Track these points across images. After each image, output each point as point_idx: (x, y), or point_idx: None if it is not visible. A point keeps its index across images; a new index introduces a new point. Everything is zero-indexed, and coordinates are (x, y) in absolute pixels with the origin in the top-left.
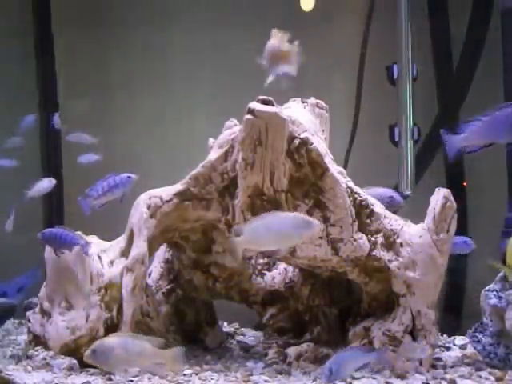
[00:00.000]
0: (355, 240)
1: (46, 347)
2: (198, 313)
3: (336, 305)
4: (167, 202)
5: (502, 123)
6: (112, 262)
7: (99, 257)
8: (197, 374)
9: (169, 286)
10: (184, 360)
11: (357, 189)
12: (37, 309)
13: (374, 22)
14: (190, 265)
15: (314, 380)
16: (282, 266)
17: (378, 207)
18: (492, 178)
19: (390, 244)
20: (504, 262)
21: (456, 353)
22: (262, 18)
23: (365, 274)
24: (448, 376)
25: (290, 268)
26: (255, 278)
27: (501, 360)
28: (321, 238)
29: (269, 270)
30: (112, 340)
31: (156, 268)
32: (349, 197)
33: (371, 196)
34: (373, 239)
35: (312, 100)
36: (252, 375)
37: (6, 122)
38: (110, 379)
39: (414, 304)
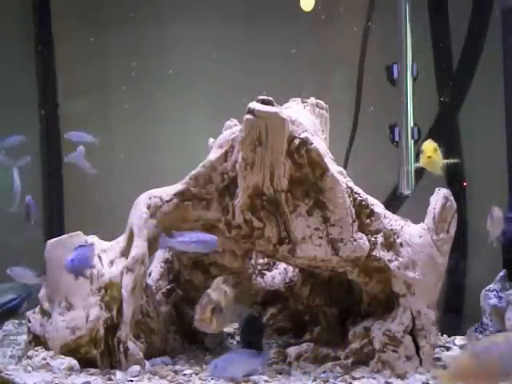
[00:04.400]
0: (355, 240)
1: (46, 347)
2: None
3: (336, 305)
4: (167, 201)
5: None
6: (112, 262)
7: (99, 257)
8: (197, 374)
9: (169, 286)
10: None
11: (357, 189)
12: (37, 309)
13: (374, 22)
14: (189, 265)
15: (314, 380)
16: (282, 265)
17: (378, 207)
18: (492, 178)
19: (390, 244)
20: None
21: (456, 353)
22: (263, 18)
23: (365, 274)
24: None
25: (290, 268)
26: (255, 277)
27: None
28: (321, 237)
29: (269, 269)
30: None
31: (156, 268)
32: (349, 197)
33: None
34: (373, 239)
35: (312, 100)
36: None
37: (6, 122)
38: (110, 379)
39: (414, 304)
